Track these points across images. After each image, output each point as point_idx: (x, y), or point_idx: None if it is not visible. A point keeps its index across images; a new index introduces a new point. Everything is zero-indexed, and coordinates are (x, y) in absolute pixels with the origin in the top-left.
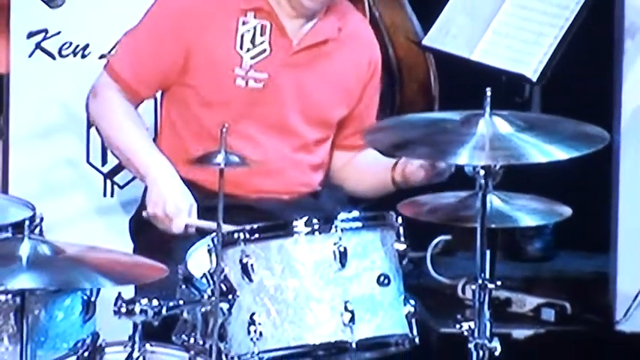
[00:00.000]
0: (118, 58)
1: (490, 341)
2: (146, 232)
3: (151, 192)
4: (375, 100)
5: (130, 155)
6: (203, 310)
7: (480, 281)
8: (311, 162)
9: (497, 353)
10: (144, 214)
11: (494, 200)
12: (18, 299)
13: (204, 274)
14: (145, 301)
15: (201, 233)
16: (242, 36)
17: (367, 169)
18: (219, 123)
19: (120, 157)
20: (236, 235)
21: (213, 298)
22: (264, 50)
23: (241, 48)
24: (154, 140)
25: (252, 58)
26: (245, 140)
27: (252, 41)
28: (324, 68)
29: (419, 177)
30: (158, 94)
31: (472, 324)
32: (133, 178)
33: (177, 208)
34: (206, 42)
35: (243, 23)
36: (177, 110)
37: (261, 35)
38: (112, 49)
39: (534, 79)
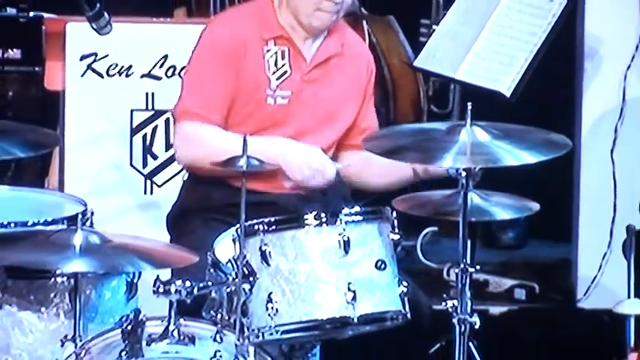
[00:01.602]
0: (186, 99)
1: (471, 316)
2: (180, 225)
3: (290, 164)
4: (372, 100)
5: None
6: (228, 290)
7: (462, 266)
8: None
9: (476, 326)
10: (286, 184)
11: (474, 197)
12: (72, 281)
13: (229, 259)
14: (179, 282)
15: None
16: (268, 61)
17: (389, 166)
18: (249, 134)
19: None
20: (256, 227)
21: (236, 280)
22: (286, 72)
23: (269, 71)
24: None
25: (277, 79)
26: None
27: (276, 64)
28: (334, 79)
29: (439, 170)
30: None
31: (455, 302)
32: (170, 179)
33: (319, 162)
34: (246, 69)
35: (267, 50)
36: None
37: (282, 59)
38: (151, 70)
39: (508, 95)
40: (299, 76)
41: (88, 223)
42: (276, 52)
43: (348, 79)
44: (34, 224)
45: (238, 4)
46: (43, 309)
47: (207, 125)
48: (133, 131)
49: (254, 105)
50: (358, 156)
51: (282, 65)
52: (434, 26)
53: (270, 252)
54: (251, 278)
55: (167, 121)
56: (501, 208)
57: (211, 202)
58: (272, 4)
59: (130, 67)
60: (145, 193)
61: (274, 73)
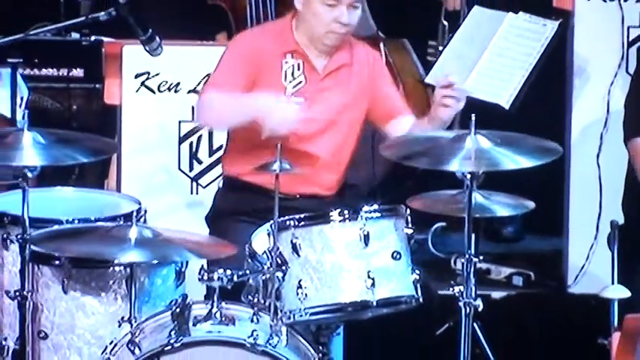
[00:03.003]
0: (209, 82)
1: (475, 300)
2: (214, 225)
3: (260, 116)
4: (391, 85)
5: (240, 112)
6: (264, 277)
7: (467, 256)
8: (340, 160)
9: (480, 309)
10: (264, 135)
11: (477, 197)
12: (128, 270)
13: (265, 251)
14: (221, 271)
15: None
16: (285, 72)
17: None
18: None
19: (235, 122)
20: (288, 223)
21: (271, 269)
22: (301, 82)
23: (285, 80)
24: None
25: (293, 87)
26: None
27: (292, 75)
28: (343, 87)
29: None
30: None
31: (461, 288)
32: (213, 181)
33: (282, 111)
34: (265, 76)
35: (285, 62)
36: (243, 131)
37: (298, 70)
38: (196, 86)
39: (507, 107)
40: (312, 85)
41: (141, 220)
42: (292, 65)
43: (355, 86)
44: (95, 220)
45: (261, 24)
46: (103, 294)
47: (221, 93)
48: (181, 140)
49: None
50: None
51: (298, 75)
52: (440, 47)
53: (299, 244)
54: (283, 267)
55: (210, 130)
56: (501, 206)
57: (240, 206)
58: (290, 24)
59: (178, 83)
60: (191, 193)
61: (290, 82)
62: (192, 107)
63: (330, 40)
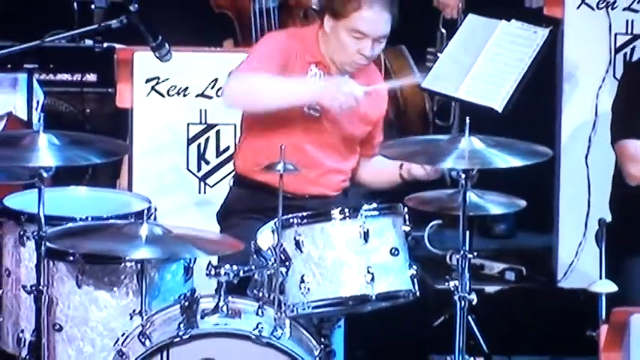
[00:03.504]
0: (243, 66)
1: (469, 294)
2: (225, 222)
3: (323, 98)
4: (382, 124)
5: (288, 95)
6: (268, 272)
7: (462, 252)
8: (345, 169)
9: (474, 303)
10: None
11: (471, 196)
12: (139, 265)
13: (269, 247)
14: (227, 266)
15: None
16: (310, 78)
17: (380, 170)
18: (283, 142)
19: (280, 103)
20: (291, 221)
21: (275, 264)
22: None
23: None
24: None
25: None
26: (300, 154)
27: None
28: (357, 111)
29: (420, 173)
30: (237, 120)
31: (457, 282)
32: (220, 181)
33: (349, 86)
34: (290, 76)
35: (310, 70)
36: (255, 131)
37: (320, 80)
38: (204, 90)
39: (500, 111)
40: None
41: (152, 218)
42: (316, 74)
43: (368, 113)
44: (108, 218)
45: (293, 28)
46: (115, 288)
47: (255, 73)
48: (189, 141)
49: (292, 112)
50: (369, 162)
51: None
52: (438, 54)
53: (302, 241)
54: (287, 263)
55: (217, 132)
56: (494, 204)
57: (250, 204)
58: (317, 35)
59: (187, 88)
60: (199, 192)
61: None
62: (200, 111)
63: (350, 67)
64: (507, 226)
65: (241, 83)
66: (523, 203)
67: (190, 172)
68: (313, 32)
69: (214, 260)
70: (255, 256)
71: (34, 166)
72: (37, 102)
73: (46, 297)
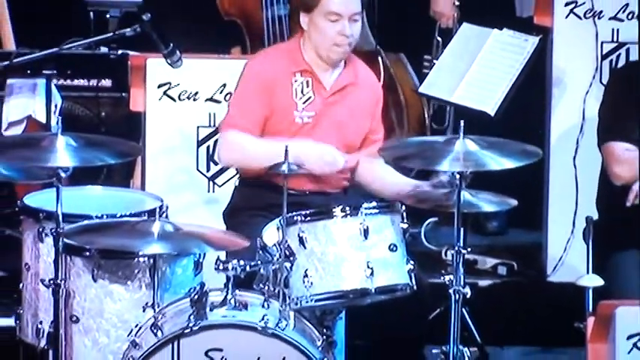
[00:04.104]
0: (230, 115)
1: (463, 288)
2: (232, 220)
3: (309, 158)
4: (380, 118)
5: (273, 157)
6: (273, 267)
7: (456, 248)
8: (344, 168)
9: (468, 296)
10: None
11: (465, 195)
12: (151, 260)
13: (274, 243)
14: (235, 261)
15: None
16: (295, 89)
17: (391, 182)
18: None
19: (268, 164)
20: (295, 218)
21: (280, 260)
22: (310, 97)
23: (296, 97)
24: None
25: (303, 103)
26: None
27: (302, 92)
28: (350, 103)
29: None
30: None
31: (451, 276)
32: (227, 180)
33: (331, 157)
34: (278, 95)
35: (295, 81)
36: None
37: (307, 87)
38: (213, 95)
39: (492, 114)
40: (320, 100)
41: (163, 215)
42: (302, 82)
43: (360, 104)
44: (122, 216)
45: (274, 45)
46: (129, 282)
47: (247, 134)
48: (199, 143)
49: (285, 123)
50: (369, 162)
51: (307, 92)
52: (434, 60)
53: (306, 238)
54: (291, 258)
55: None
56: (487, 203)
57: (256, 202)
58: (299, 44)
59: (197, 93)
60: (208, 191)
61: (300, 98)
62: (209, 114)
63: (335, 53)
64: (499, 223)
65: (231, 151)
66: (514, 202)
67: (200, 172)
68: (296, 43)
69: (222, 255)
70: (261, 252)
71: (52, 167)
72: (55, 106)
73: (64, 290)
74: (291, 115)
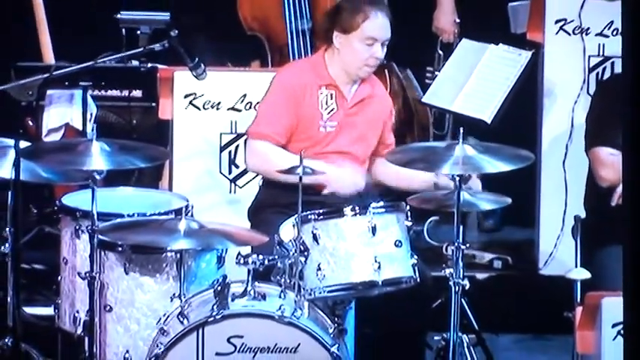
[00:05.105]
0: (258, 124)
1: (462, 280)
2: (256, 216)
3: (342, 189)
4: (391, 125)
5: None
6: (289, 261)
7: (456, 244)
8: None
9: (467, 288)
10: (325, 191)
11: (464, 195)
12: (178, 255)
13: (290, 239)
14: (254, 255)
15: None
16: (321, 101)
17: (412, 176)
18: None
19: (289, 177)
20: (309, 217)
21: (295, 254)
22: (334, 108)
23: (321, 108)
24: None
25: (327, 113)
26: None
27: (327, 103)
28: (367, 114)
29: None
30: None
31: (452, 270)
32: (248, 182)
33: (353, 179)
34: (305, 105)
35: (321, 93)
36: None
37: (331, 99)
38: (234, 105)
39: (489, 122)
40: (342, 111)
41: (189, 214)
42: (327, 95)
43: (375, 114)
44: (151, 215)
45: (300, 59)
46: (157, 275)
47: (273, 145)
48: (222, 148)
49: (311, 132)
50: (384, 163)
51: (331, 104)
52: (436, 72)
53: (319, 234)
54: (305, 253)
55: (246, 141)
56: (484, 202)
57: (278, 200)
58: (324, 59)
59: (220, 102)
60: (230, 192)
61: (325, 109)
62: (231, 122)
63: (364, 72)
64: (495, 221)
65: (258, 161)
66: (509, 201)
67: (222, 174)
68: (320, 57)
69: (243, 250)
70: (278, 247)
71: (88, 170)
72: (91, 114)
73: (98, 282)
74: (317, 125)
